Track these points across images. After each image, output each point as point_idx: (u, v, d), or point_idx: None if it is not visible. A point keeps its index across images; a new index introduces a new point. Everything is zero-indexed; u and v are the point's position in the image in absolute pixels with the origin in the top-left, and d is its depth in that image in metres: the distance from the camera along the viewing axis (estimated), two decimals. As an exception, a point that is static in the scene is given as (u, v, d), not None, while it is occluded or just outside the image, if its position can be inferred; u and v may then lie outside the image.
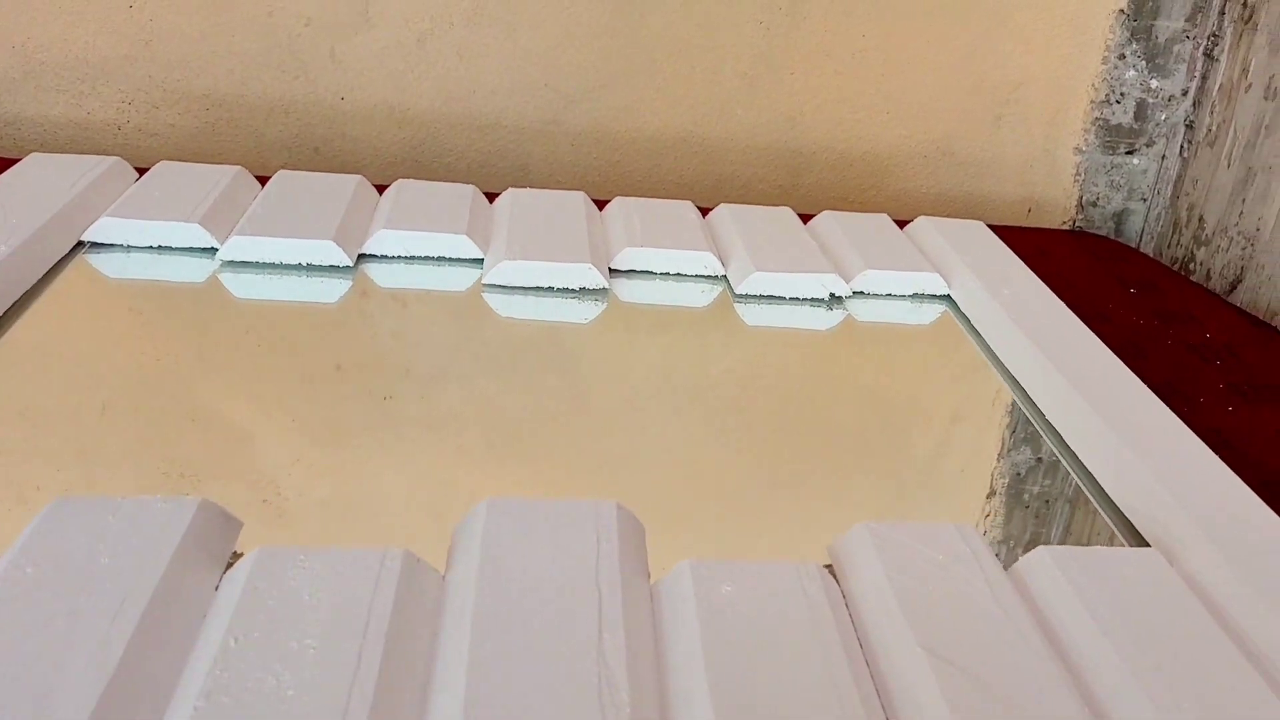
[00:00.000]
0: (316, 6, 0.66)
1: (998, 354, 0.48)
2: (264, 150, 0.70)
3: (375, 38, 0.68)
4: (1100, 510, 0.39)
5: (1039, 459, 0.42)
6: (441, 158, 0.72)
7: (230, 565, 0.29)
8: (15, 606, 0.25)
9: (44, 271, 0.46)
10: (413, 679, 0.25)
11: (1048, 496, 0.40)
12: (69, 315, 0.44)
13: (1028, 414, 0.45)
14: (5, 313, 0.43)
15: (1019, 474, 0.42)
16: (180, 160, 0.68)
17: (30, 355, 0.41)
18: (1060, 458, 0.42)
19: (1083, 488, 0.40)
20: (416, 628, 0.26)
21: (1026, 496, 0.40)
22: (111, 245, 0.49)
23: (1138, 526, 0.37)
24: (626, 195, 0.74)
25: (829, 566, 0.32)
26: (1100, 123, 0.75)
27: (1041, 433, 0.44)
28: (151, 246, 0.49)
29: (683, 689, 0.25)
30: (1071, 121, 0.75)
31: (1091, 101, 0.74)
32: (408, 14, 0.67)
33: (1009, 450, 0.43)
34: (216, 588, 0.28)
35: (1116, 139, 0.75)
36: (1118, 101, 0.74)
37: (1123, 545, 0.37)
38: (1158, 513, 0.36)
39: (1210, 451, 0.39)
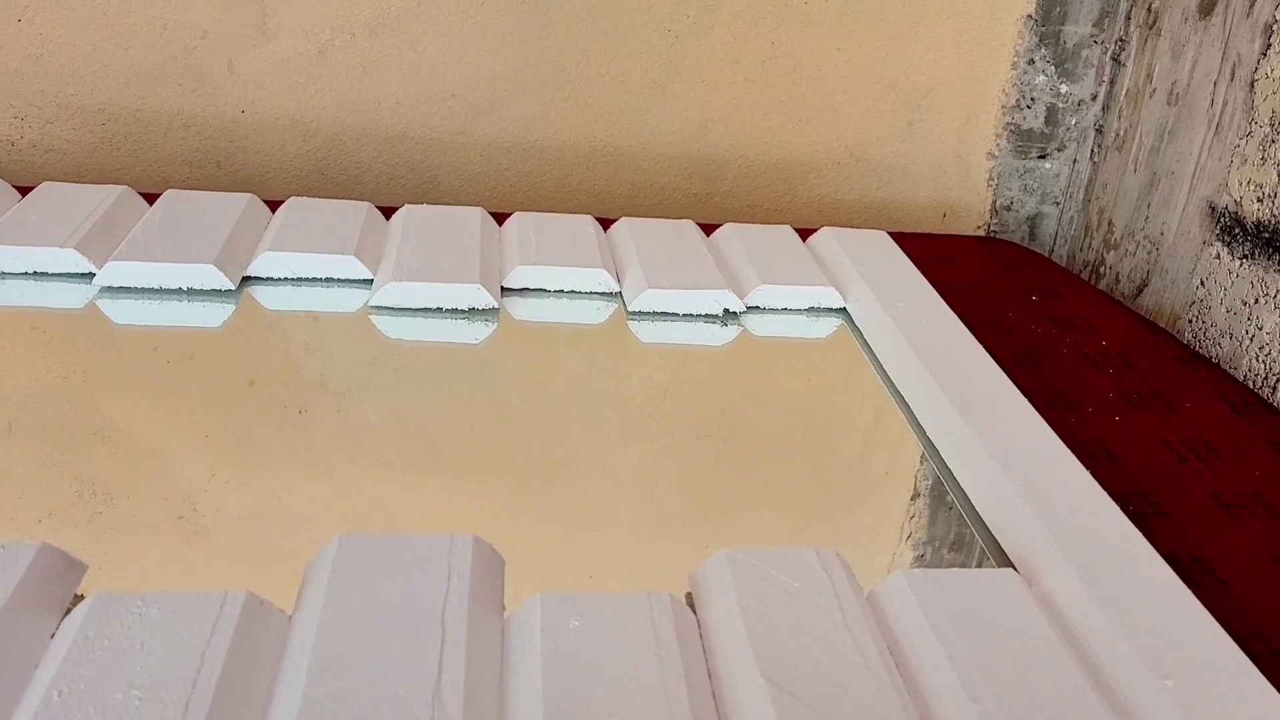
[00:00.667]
0: (212, 18, 0.66)
1: (886, 368, 0.49)
2: (165, 165, 0.69)
3: (275, 49, 0.67)
4: (973, 528, 0.40)
5: (918, 475, 0.44)
6: (348, 170, 0.72)
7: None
8: None
9: None
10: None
11: (924, 515, 0.41)
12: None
13: (913, 430, 0.46)
14: None
15: (899, 491, 0.43)
16: (79, 176, 0.68)
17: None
18: (940, 475, 0.43)
19: (957, 505, 0.41)
20: (254, 673, 0.26)
21: (905, 514, 0.41)
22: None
23: (1003, 546, 0.38)
24: (538, 206, 0.74)
25: (686, 595, 0.33)
26: (1011, 127, 0.76)
27: (920, 443, 0.45)
28: (27, 272, 0.49)
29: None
30: (983, 126, 0.76)
31: (1002, 106, 0.75)
32: (307, 25, 0.67)
33: (892, 468, 0.44)
34: (52, 635, 0.28)
35: (1028, 143, 0.77)
36: (1028, 106, 0.76)
37: (991, 565, 0.38)
38: (1022, 532, 0.37)
39: (1082, 468, 0.40)
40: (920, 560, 0.39)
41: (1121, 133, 0.73)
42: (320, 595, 0.29)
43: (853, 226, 0.77)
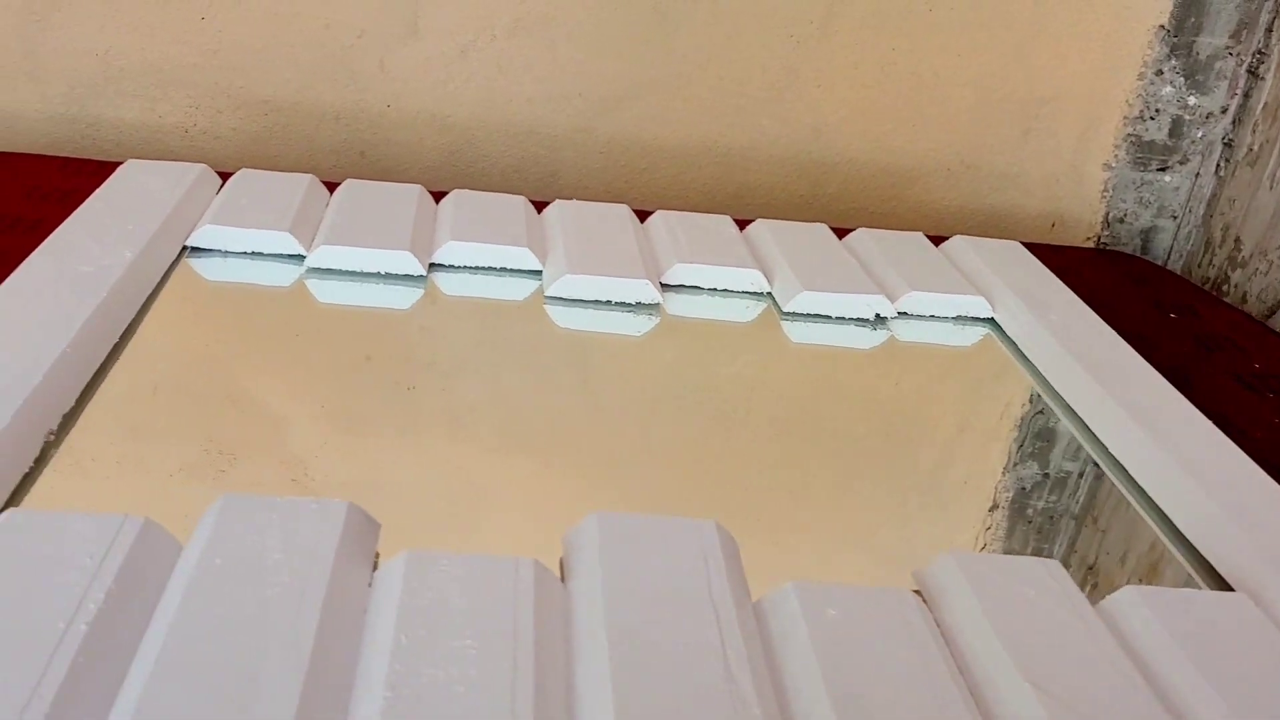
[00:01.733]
0: (369, 19, 0.70)
1: (1048, 379, 0.52)
2: (315, 154, 0.74)
3: (422, 49, 0.71)
4: (1168, 545, 0.42)
5: (1099, 484, 0.46)
6: (477, 164, 0.76)
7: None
8: (213, 595, 0.29)
9: (161, 274, 0.50)
10: (559, 683, 0.29)
11: (1117, 526, 0.44)
12: (180, 315, 0.49)
13: (1081, 440, 0.49)
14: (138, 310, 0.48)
15: (1082, 499, 0.45)
16: (240, 162, 0.73)
17: (148, 348, 0.46)
18: (1122, 489, 0.45)
19: (1148, 520, 0.43)
20: (553, 634, 0.30)
21: (1101, 522, 0.44)
22: (210, 250, 0.54)
23: (1216, 567, 0.39)
24: (651, 202, 0.78)
25: (917, 592, 0.36)
26: (1133, 139, 0.78)
27: (1098, 460, 0.47)
28: (246, 252, 0.54)
29: (803, 709, 0.29)
30: (1102, 137, 0.78)
31: (1125, 117, 0.78)
32: (453, 27, 0.71)
33: (1074, 478, 0.47)
34: (369, 584, 0.31)
35: (1149, 155, 0.79)
36: (1152, 118, 0.78)
37: (1199, 586, 0.39)
38: (1235, 553, 0.39)
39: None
40: (1122, 570, 0.42)
41: (1255, 148, 0.74)
42: (596, 568, 0.32)
43: (956, 233, 0.80)
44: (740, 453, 0.45)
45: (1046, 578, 0.35)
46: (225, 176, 0.61)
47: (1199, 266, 0.78)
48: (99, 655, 0.27)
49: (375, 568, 0.33)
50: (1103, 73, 0.76)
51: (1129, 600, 0.35)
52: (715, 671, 0.29)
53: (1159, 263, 0.82)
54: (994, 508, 0.44)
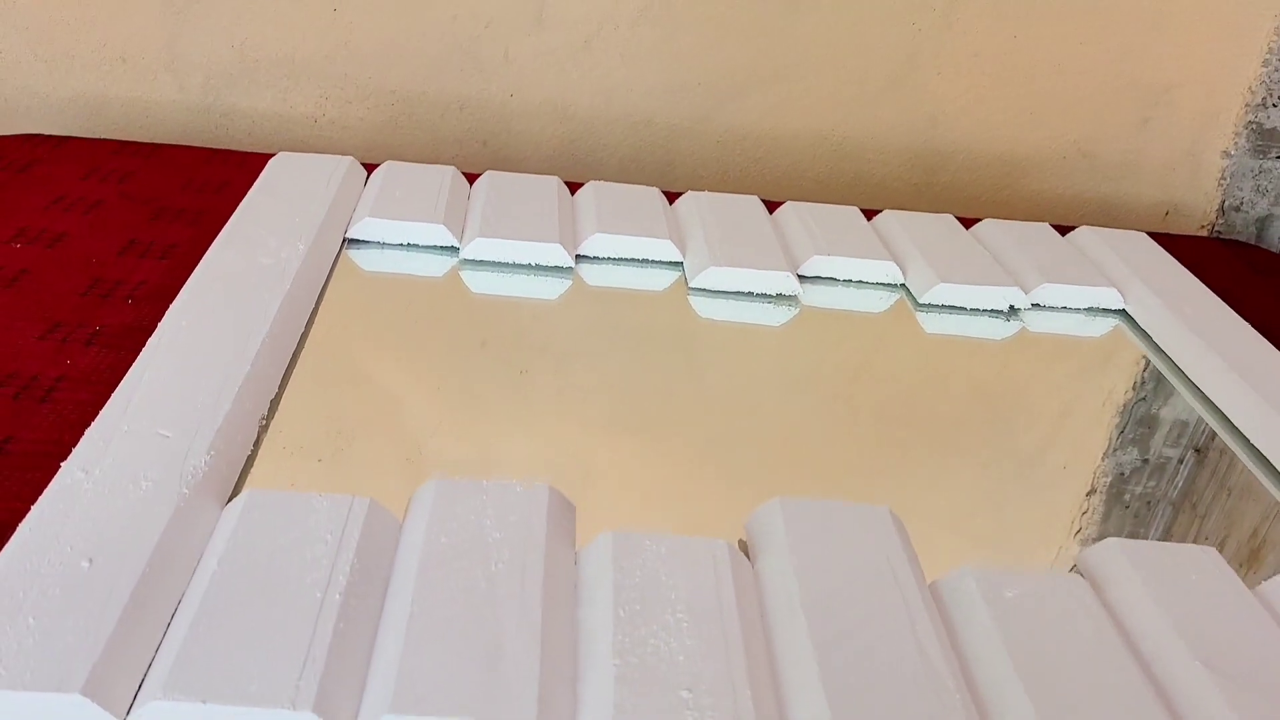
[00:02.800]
0: (496, 11, 0.73)
1: (1184, 371, 0.54)
2: (439, 143, 0.77)
3: (546, 39, 0.74)
4: None
5: (1231, 474, 0.48)
6: (595, 153, 0.79)
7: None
8: (446, 570, 0.32)
9: (330, 265, 0.54)
10: (763, 654, 0.32)
11: (1257, 514, 0.46)
12: (348, 305, 0.53)
13: (1216, 429, 0.50)
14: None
15: (1229, 492, 0.47)
16: (367, 151, 0.76)
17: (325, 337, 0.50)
18: (1264, 481, 0.47)
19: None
20: (750, 610, 0.33)
21: (1226, 511, 0.46)
22: (368, 241, 0.57)
23: None
24: (765, 191, 0.80)
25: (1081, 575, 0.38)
26: (1254, 126, 0.79)
27: (1236, 451, 0.49)
28: (402, 244, 0.57)
29: (991, 686, 0.32)
30: (1222, 124, 0.79)
31: (1246, 105, 0.78)
32: (578, 18, 0.74)
33: (1221, 472, 0.49)
34: (575, 562, 0.35)
35: (1270, 143, 0.80)
36: (1275, 105, 0.78)
37: None
38: None
39: None
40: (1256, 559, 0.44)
41: (1374, 136, 0.74)
42: (784, 549, 0.35)
43: (1069, 222, 0.81)
44: (883, 440, 0.48)
45: (1206, 562, 0.37)
46: (366, 166, 0.64)
47: (1318, 257, 0.79)
48: (355, 620, 0.31)
49: (574, 548, 0.36)
50: (1226, 60, 0.77)
51: None
52: (909, 648, 0.32)
53: (1275, 251, 0.83)
54: (1129, 495, 0.46)
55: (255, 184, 0.59)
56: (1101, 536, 0.42)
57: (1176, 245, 0.73)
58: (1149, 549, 0.38)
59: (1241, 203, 0.82)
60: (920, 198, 0.82)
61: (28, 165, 0.66)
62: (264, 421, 0.42)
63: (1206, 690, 0.32)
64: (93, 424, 0.38)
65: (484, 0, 0.73)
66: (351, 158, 0.63)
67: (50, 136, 0.70)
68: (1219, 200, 0.82)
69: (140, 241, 0.58)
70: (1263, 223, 0.83)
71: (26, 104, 0.76)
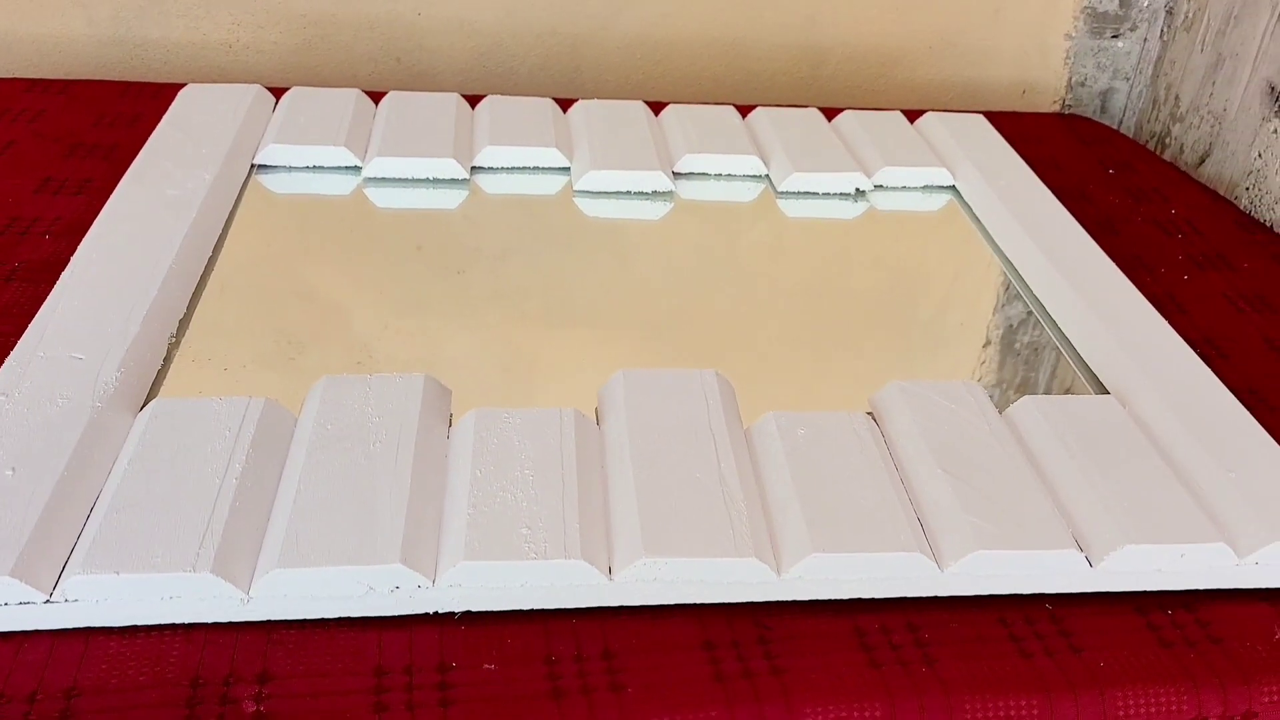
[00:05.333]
0: (398, -68, 0.74)
1: (994, 236, 0.58)
2: (354, 62, 0.78)
3: (448, -41, 0.75)
4: (1070, 363, 0.50)
5: (1026, 318, 0.53)
6: (505, 63, 0.80)
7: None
8: (331, 452, 0.37)
9: (237, 192, 0.56)
10: (597, 497, 0.36)
11: (1035, 346, 0.51)
12: (256, 227, 0.55)
13: (1016, 286, 0.55)
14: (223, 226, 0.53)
15: (1011, 328, 0.52)
16: (285, 73, 0.77)
17: (234, 259, 0.52)
18: (1040, 319, 0.52)
19: (1057, 345, 0.51)
20: (591, 463, 0.37)
21: (1017, 346, 0.51)
22: (275, 166, 0.60)
23: (1100, 377, 0.47)
24: (667, 92, 0.82)
25: (869, 414, 0.43)
26: (1089, 10, 0.82)
27: (1025, 299, 0.54)
28: (308, 166, 0.59)
29: (778, 502, 0.37)
30: (1062, 10, 0.83)
31: (1081, -9, 0.82)
32: (479, -65, 0.75)
33: (1001, 308, 0.54)
34: (447, 437, 0.39)
35: (1103, 25, 0.83)
36: (1104, -9, 0.81)
37: (1088, 392, 0.47)
38: (1116, 369, 0.46)
39: (1161, 319, 0.49)
40: (1032, 382, 0.49)
41: (1190, 15, 0.78)
42: (622, 412, 0.39)
43: (942, 105, 0.85)
44: (746, 313, 0.52)
45: (967, 395, 0.42)
46: (274, 91, 0.65)
47: (1148, 122, 0.83)
48: (249, 500, 0.35)
49: (450, 425, 0.40)
50: (1062, -46, 0.80)
51: (1025, 408, 0.43)
52: (713, 480, 0.37)
53: (1115, 120, 0.87)
54: (942, 345, 0.51)
55: (164, 118, 0.60)
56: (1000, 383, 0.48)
57: (1024, 122, 0.77)
58: (924, 388, 0.42)
59: (1086, 79, 0.86)
60: (807, 90, 0.85)
61: (-66, 106, 0.65)
62: (173, 339, 0.45)
63: (943, 488, 0.37)
64: (11, 352, 0.41)
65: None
66: (259, 86, 0.64)
67: (-45, 76, 0.70)
68: (1066, 77, 0.86)
69: (55, 179, 0.59)
70: (1105, 95, 0.86)
71: (-71, 43, 0.75)
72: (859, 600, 0.37)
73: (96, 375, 0.40)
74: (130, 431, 0.38)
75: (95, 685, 0.32)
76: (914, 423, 0.41)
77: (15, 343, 0.43)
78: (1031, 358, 0.51)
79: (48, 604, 0.32)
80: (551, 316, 0.50)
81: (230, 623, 0.34)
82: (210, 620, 0.33)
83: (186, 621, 0.33)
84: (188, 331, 0.46)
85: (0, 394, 0.39)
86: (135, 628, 0.33)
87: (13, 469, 0.35)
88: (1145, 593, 0.39)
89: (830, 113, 0.70)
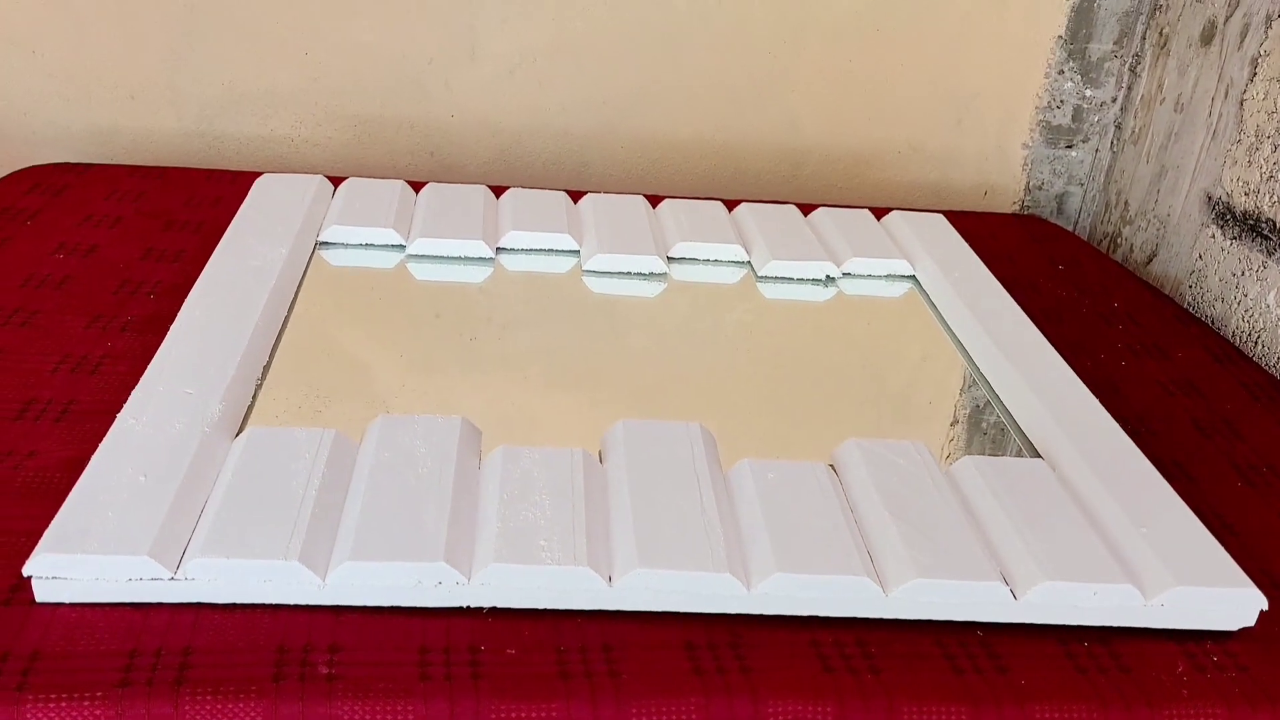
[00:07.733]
0: (437, 49, 0.84)
1: (947, 321, 0.66)
2: (395, 155, 0.88)
3: (478, 71, 0.86)
4: (1010, 431, 0.56)
5: (972, 392, 0.61)
6: (523, 159, 0.90)
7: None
8: (388, 475, 0.44)
9: (305, 263, 0.65)
10: (601, 521, 0.44)
11: (978, 416, 0.58)
12: (321, 293, 0.63)
13: (966, 364, 0.63)
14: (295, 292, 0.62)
15: (958, 400, 0.60)
16: (337, 162, 0.87)
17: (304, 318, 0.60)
18: (985, 393, 0.60)
19: (999, 416, 0.58)
20: (596, 494, 0.45)
21: (963, 416, 0.58)
22: (335, 243, 0.69)
23: (1035, 444, 0.54)
24: (665, 186, 0.91)
25: (830, 465, 0.50)
26: (1044, 124, 0.91)
27: (973, 375, 0.62)
28: (361, 244, 0.69)
29: (750, 533, 0.44)
30: (1020, 123, 0.92)
31: (1036, 107, 0.91)
32: (503, 52, 0.85)
33: (950, 382, 0.61)
34: (479, 467, 0.46)
35: (1058, 136, 0.92)
36: (1058, 107, 0.91)
37: (1024, 456, 0.53)
38: (1049, 438, 0.53)
39: (1093, 398, 0.55)
40: (974, 451, 0.56)
41: (1136, 130, 0.87)
42: (623, 455, 0.47)
43: (909, 204, 0.94)
44: (727, 379, 0.60)
45: (914, 453, 0.49)
46: (333, 179, 0.75)
47: (1102, 224, 0.91)
48: (325, 507, 0.43)
49: (480, 458, 0.48)
50: (1017, 73, 0.90)
51: (965, 465, 0.49)
52: (696, 510, 0.44)
53: (1072, 221, 0.95)
54: (897, 411, 0.59)
55: (244, 201, 0.69)
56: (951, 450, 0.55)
57: (983, 221, 0.85)
58: (878, 445, 0.50)
59: (1043, 183, 0.95)
60: (789, 187, 0.94)
61: (61, 189, 0.75)
62: (259, 382, 0.53)
63: (890, 528, 0.44)
64: (137, 386, 0.50)
65: (427, 41, 0.84)
66: (321, 176, 0.73)
67: (76, 164, 0.80)
68: (1024, 181, 0.95)
69: (155, 249, 0.68)
70: (1061, 198, 0.95)
71: (53, 135, 0.86)
72: (816, 617, 0.43)
73: (204, 407, 0.48)
74: (230, 451, 0.46)
75: (205, 647, 0.39)
76: (868, 474, 0.47)
77: (131, 380, 0.51)
78: (975, 426, 0.58)
79: (171, 580, 0.40)
80: (553, 379, 0.58)
81: (308, 605, 0.41)
82: (292, 602, 0.41)
83: (274, 602, 0.41)
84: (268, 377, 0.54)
85: (131, 419, 0.47)
86: (235, 605, 0.41)
87: (144, 476, 0.43)
88: (1065, 626, 0.43)
89: (808, 208, 0.78)
